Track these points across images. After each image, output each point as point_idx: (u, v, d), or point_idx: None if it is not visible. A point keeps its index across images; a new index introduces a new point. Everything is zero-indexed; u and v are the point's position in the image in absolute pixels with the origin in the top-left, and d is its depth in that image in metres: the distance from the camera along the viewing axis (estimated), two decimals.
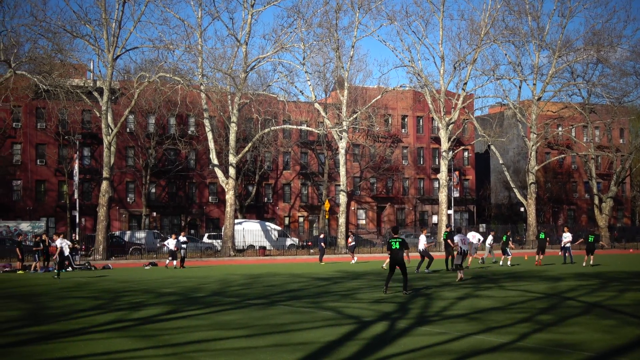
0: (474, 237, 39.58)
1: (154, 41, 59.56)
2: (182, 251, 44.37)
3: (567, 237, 45.29)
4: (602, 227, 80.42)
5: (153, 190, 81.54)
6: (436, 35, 73.89)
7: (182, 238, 44.82)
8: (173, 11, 59.81)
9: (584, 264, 40.04)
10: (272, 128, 69.43)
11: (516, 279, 29.53)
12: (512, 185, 79.52)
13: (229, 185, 62.90)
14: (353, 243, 49.54)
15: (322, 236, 51.56)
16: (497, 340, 13.98)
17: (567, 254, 44.62)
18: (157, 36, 64.69)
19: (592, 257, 40.50)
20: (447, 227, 39.98)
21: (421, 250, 35.17)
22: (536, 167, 78.00)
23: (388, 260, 24.60)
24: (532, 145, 76.90)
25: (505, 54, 77.15)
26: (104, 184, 58.24)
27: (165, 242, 48.07)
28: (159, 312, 18.96)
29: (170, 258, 44.00)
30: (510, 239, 43.38)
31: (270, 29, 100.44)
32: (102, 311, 19.48)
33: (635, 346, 13.22)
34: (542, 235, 43.26)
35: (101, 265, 46.03)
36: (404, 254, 23.86)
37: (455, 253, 31.22)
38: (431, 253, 41.73)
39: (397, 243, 23.43)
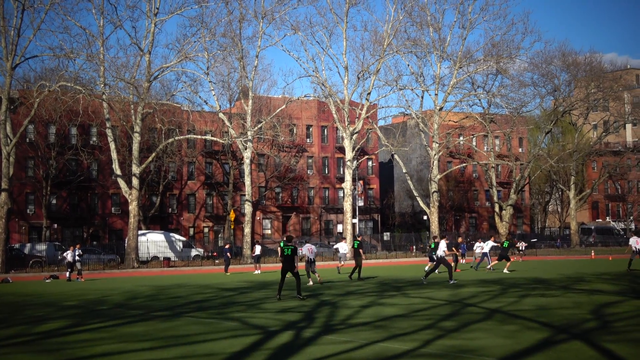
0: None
1: (54, 49, 58.34)
2: (78, 264, 43.59)
3: (489, 244, 46.53)
4: (502, 234, 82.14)
5: (54, 201, 79.80)
6: (340, 46, 74.62)
7: (76, 251, 44.07)
8: (74, 19, 58.70)
9: (505, 270, 40.77)
10: (176, 138, 68.79)
11: (420, 287, 29.94)
12: (416, 193, 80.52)
13: (132, 196, 62.07)
14: (258, 253, 49.42)
15: (227, 246, 51.27)
16: (401, 347, 14.17)
17: (486, 259, 45.46)
18: (58, 44, 63.27)
19: (508, 263, 40.98)
20: (358, 236, 40.32)
21: (439, 256, 33.09)
22: (438, 176, 79.19)
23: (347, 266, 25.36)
24: (435, 155, 78.06)
25: (408, 65, 78.22)
26: (3, 196, 56.72)
27: (65, 254, 47.07)
28: (61, 326, 18.59)
29: (69, 270, 43.29)
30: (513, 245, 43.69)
31: (174, 38, 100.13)
32: (2, 326, 18.99)
33: (535, 351, 13.57)
34: (505, 244, 42.51)
35: (0, 279, 44.82)
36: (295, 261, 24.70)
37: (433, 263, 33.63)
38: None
39: (289, 250, 24.49)
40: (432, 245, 41.59)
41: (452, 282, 31.41)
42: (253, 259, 52.39)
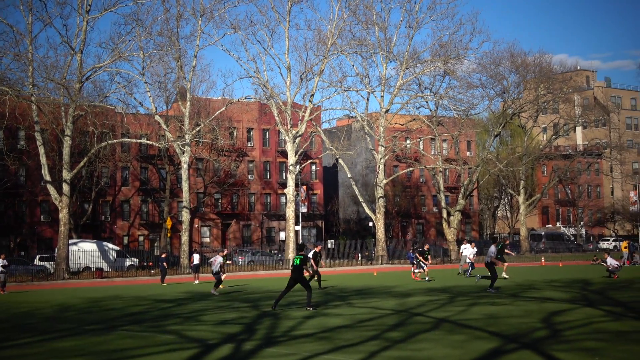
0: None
1: None
2: (2, 275, 42.74)
3: (469, 250, 47.26)
4: (450, 241, 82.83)
5: None
6: (282, 46, 74.69)
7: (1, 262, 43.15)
8: (0, 16, 57.90)
9: (504, 275, 40.65)
10: (110, 142, 68.12)
11: (366, 296, 30.04)
12: (361, 199, 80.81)
13: (62, 203, 61.30)
14: (197, 262, 49.19)
15: (163, 256, 50.89)
16: (346, 359, 14.20)
17: (470, 269, 45.82)
18: None
19: (505, 264, 40.95)
20: (316, 246, 40.16)
21: (487, 261, 31.92)
22: (384, 181, 79.57)
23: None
24: (380, 159, 78.42)
25: (353, 65, 78.48)
26: None
27: None
28: None
29: None
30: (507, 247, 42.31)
31: (108, 36, 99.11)
32: None
33: None
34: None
35: None
36: (304, 269, 24.51)
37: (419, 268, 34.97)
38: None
39: (298, 259, 24.41)
40: (500, 247, 41.10)
41: (492, 290, 30.49)
42: (191, 268, 52.11)
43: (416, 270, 43.31)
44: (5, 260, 44.14)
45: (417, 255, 43.56)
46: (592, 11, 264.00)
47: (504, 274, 40.60)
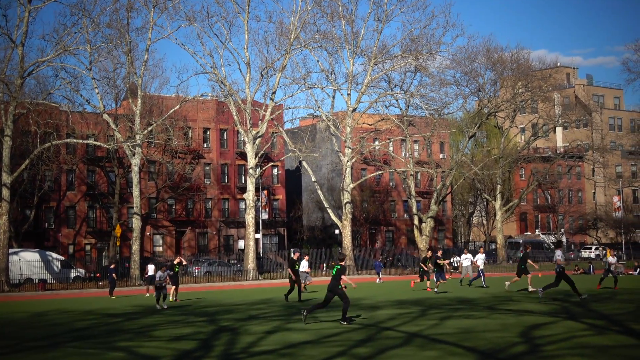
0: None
1: None
2: None
3: (482, 257, 46.08)
4: (422, 249, 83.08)
5: None
6: (241, 39, 74.66)
7: None
8: None
9: (530, 289, 37.82)
10: (54, 142, 67.66)
11: (331, 309, 30.06)
12: (326, 205, 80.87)
13: (2, 209, 60.78)
14: (152, 273, 48.91)
15: (112, 266, 50.61)
16: None
17: (482, 277, 44.79)
18: None
19: (529, 276, 38.48)
20: (295, 252, 39.84)
21: (558, 270, 31.97)
22: (351, 185, 79.70)
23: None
24: (347, 161, 78.54)
25: (318, 61, 78.57)
26: None
27: None
28: None
29: None
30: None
31: (51, 28, 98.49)
32: None
33: None
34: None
35: None
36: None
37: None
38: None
39: (335, 269, 24.07)
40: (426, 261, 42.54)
41: (583, 296, 30.38)
42: (145, 280, 51.85)
43: (431, 279, 42.35)
44: None
45: (427, 265, 42.42)
46: (574, 3, 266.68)
47: (530, 288, 38.08)
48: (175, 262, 40.83)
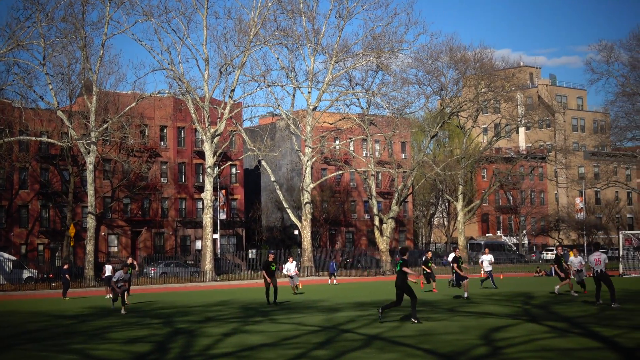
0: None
1: None
2: None
3: (487, 259, 44.50)
4: (383, 250, 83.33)
5: None
6: (200, 35, 74.40)
7: None
8: None
9: (570, 289, 36.07)
10: (6, 139, 67.16)
11: (290, 311, 30.05)
12: (286, 205, 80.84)
13: None
14: (109, 274, 48.66)
15: (66, 267, 50.27)
16: None
17: (491, 279, 43.89)
18: None
19: (565, 282, 36.39)
20: (270, 253, 38.40)
21: (600, 271, 30.79)
22: (311, 185, 79.73)
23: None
24: (307, 161, 78.56)
25: (278, 58, 78.51)
26: None
27: None
28: None
29: None
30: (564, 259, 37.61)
31: (4, 22, 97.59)
32: None
33: None
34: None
35: None
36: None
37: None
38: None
39: (398, 264, 23.79)
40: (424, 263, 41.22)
41: (615, 305, 28.24)
42: (103, 280, 51.57)
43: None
44: None
45: (429, 266, 41.08)
46: (538, 3, 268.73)
47: (558, 288, 36.48)
48: (128, 262, 40.53)
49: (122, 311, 31.61)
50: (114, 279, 33.44)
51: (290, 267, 43.94)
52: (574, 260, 35.41)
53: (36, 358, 18.15)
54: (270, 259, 35.28)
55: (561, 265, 36.54)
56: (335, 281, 59.37)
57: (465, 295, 34.83)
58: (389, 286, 49.42)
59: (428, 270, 41.40)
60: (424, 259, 41.59)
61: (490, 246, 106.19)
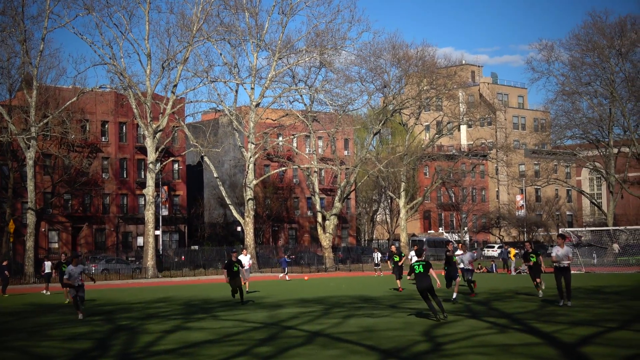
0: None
1: None
2: None
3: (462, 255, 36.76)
4: (325, 247, 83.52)
5: None
6: (142, 30, 73.78)
7: None
8: None
9: (540, 294, 31.68)
10: None
11: (232, 308, 30.02)
12: (228, 201, 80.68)
13: None
14: (48, 271, 48.29)
15: (5, 263, 49.75)
16: None
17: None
18: None
19: (541, 281, 31.83)
20: (233, 251, 36.65)
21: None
22: (254, 182, 79.65)
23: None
24: (250, 157, 78.48)
25: (221, 54, 78.37)
26: None
27: None
28: None
29: None
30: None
31: None
32: None
33: None
34: (533, 258, 31.63)
35: None
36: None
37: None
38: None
39: (421, 266, 23.14)
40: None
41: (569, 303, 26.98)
42: (43, 277, 51.10)
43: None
44: None
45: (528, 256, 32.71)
46: (480, 1, 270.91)
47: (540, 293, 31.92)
48: (62, 259, 40.04)
49: (80, 316, 26.60)
50: (67, 276, 26.88)
51: (243, 260, 41.52)
52: (464, 256, 33.42)
53: None
54: (233, 259, 32.86)
55: (528, 261, 32.06)
56: (287, 277, 59.01)
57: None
58: (332, 282, 49.61)
59: (390, 266, 40.51)
60: (387, 254, 39.59)
61: (432, 243, 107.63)
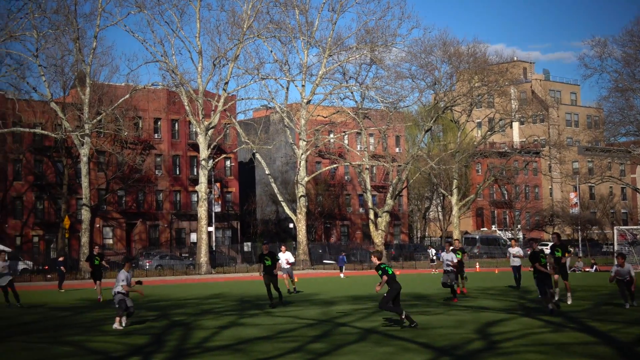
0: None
1: None
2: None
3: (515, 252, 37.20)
4: (378, 244, 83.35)
5: None
6: (193, 28, 74.41)
7: None
8: None
9: (567, 300, 29.05)
10: (0, 131, 67.05)
11: (286, 305, 30.04)
12: (280, 198, 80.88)
13: None
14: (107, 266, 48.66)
15: (61, 259, 50.30)
16: None
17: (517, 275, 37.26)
18: None
19: (567, 283, 29.48)
20: (265, 244, 34.83)
21: None
22: (306, 178, 79.75)
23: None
24: (302, 154, 78.56)
25: (271, 51, 78.57)
26: None
27: None
28: None
29: None
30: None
31: None
32: None
33: None
34: (558, 253, 28.96)
35: None
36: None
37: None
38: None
39: (460, 253, 23.08)
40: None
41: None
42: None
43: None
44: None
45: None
46: None
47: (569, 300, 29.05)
48: (95, 252, 38.49)
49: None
50: (124, 283, 22.83)
51: (282, 257, 39.79)
52: (445, 256, 31.01)
53: (32, 350, 18.14)
54: (264, 251, 29.67)
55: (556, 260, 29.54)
56: (342, 275, 58.83)
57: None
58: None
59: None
60: (451, 249, 34.23)
61: (485, 240, 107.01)
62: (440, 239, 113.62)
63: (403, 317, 20.98)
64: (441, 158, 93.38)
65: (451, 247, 31.28)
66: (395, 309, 21.10)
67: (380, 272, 21.17)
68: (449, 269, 29.90)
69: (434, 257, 66.62)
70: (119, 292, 22.53)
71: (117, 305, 22.53)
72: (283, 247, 40.10)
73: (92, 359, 16.42)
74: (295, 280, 39.32)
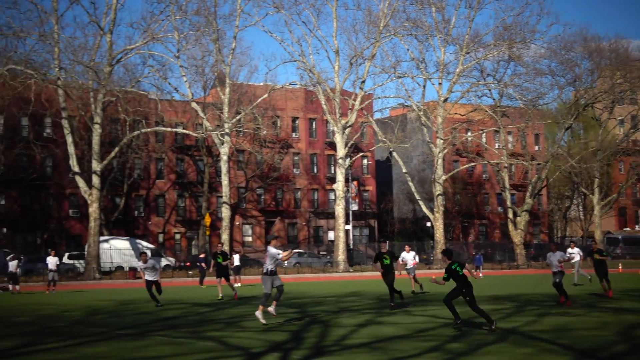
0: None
1: (1, 28, 58.27)
2: (54, 274, 43.57)
3: (573, 253, 40.78)
4: (517, 243, 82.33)
5: (2, 202, 79.47)
6: (329, 27, 74.63)
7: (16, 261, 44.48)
8: None
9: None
10: (143, 130, 68.72)
11: (424, 303, 29.95)
12: (417, 197, 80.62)
13: (92, 197, 61.92)
14: (238, 263, 49.37)
15: (202, 256, 51.26)
16: None
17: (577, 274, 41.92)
18: (5, 22, 63.15)
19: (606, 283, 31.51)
20: (383, 242, 34.56)
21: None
22: (443, 177, 79.32)
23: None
24: (439, 152, 78.18)
25: (408, 49, 78.41)
26: None
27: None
28: (13, 345, 18.51)
29: (11, 282, 43.57)
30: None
31: (139, 16, 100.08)
32: None
33: None
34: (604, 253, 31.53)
35: None
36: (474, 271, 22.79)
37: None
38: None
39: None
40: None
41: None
42: (232, 270, 52.35)
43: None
44: (57, 258, 44.76)
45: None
46: None
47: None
48: (218, 249, 38.21)
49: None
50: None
51: (408, 257, 38.40)
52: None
53: (175, 344, 18.51)
54: (382, 250, 28.34)
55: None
56: (481, 275, 58.21)
57: None
58: (524, 280, 48.75)
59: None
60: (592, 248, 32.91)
61: (628, 240, 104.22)
62: (582, 238, 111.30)
63: (458, 322, 20.60)
64: (582, 156, 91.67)
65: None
66: (453, 311, 20.76)
67: (446, 274, 20.49)
68: (557, 270, 28.80)
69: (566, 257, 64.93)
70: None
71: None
72: (407, 246, 39.15)
73: (233, 354, 16.66)
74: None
